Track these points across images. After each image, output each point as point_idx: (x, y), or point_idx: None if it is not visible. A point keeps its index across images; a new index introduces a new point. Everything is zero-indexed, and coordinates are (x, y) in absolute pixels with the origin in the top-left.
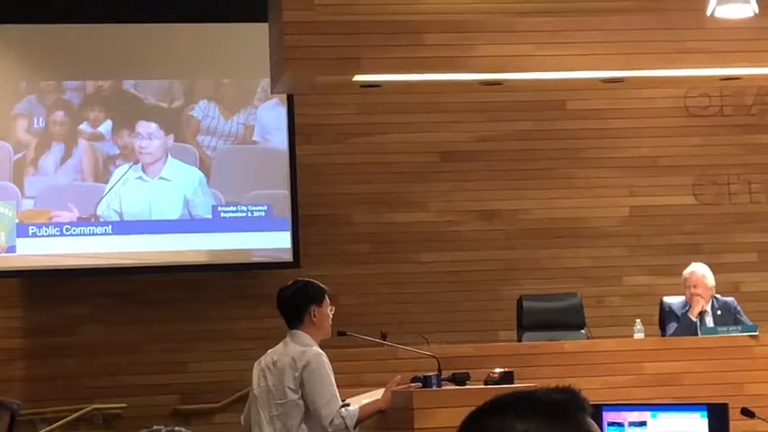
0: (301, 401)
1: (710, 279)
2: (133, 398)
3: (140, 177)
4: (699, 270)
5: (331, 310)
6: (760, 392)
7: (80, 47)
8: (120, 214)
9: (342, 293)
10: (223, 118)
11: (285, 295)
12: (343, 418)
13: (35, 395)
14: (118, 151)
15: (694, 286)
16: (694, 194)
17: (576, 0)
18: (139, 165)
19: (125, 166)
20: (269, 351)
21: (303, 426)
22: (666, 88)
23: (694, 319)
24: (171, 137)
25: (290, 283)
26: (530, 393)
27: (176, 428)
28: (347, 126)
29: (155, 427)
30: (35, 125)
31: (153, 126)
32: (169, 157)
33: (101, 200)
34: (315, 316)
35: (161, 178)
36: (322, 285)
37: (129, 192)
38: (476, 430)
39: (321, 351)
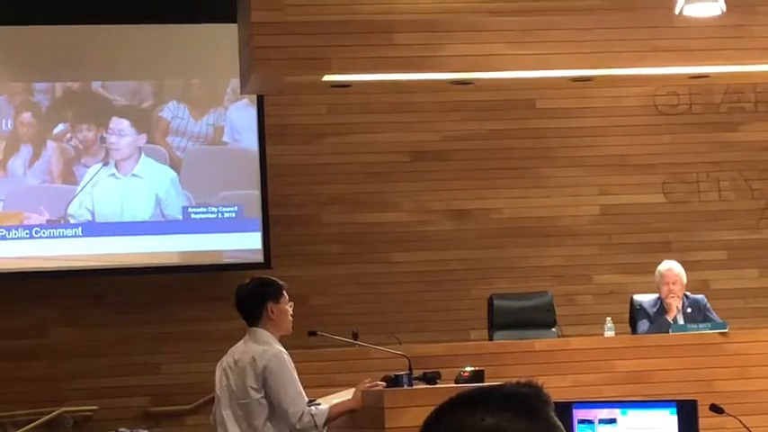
0: (264, 401)
1: (685, 277)
2: (104, 400)
3: (113, 174)
4: (676, 268)
5: (290, 306)
6: (729, 389)
7: (49, 48)
8: (93, 213)
9: (313, 294)
10: (193, 119)
11: (242, 293)
12: (312, 416)
13: (5, 398)
14: (88, 152)
15: (673, 283)
16: (664, 193)
17: None
18: (111, 163)
19: (97, 166)
20: (230, 350)
21: (268, 424)
22: (635, 87)
23: (671, 321)
24: (143, 136)
25: (246, 281)
26: (496, 388)
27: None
28: (318, 126)
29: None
30: (3, 127)
31: (125, 123)
32: (142, 154)
33: (72, 200)
34: (272, 312)
35: (134, 175)
36: (279, 281)
37: (101, 190)
38: (442, 427)
39: (282, 349)
